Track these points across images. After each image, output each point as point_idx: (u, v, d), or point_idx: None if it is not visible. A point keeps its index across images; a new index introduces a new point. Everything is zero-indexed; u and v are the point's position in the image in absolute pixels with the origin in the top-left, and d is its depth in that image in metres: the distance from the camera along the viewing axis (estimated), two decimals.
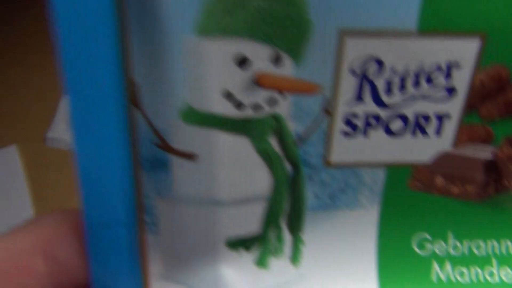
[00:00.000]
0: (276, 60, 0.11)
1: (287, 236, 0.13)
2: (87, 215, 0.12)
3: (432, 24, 0.10)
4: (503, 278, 0.13)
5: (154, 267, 0.13)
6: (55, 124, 0.33)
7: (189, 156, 0.11)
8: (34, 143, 0.33)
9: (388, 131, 0.12)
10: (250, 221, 0.13)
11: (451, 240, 0.13)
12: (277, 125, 0.11)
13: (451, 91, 0.11)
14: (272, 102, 0.11)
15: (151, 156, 0.11)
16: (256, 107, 0.11)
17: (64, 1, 0.09)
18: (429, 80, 0.11)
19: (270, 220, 0.13)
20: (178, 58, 0.10)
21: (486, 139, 0.12)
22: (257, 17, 0.10)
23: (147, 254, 0.12)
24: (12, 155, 0.36)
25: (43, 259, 0.11)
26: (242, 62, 0.10)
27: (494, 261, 0.13)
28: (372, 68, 0.11)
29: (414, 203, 0.13)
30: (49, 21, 0.10)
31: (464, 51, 0.11)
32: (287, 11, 0.10)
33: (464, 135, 0.12)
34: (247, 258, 0.13)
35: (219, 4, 0.10)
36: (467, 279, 0.13)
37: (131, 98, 0.11)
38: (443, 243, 0.13)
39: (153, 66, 0.11)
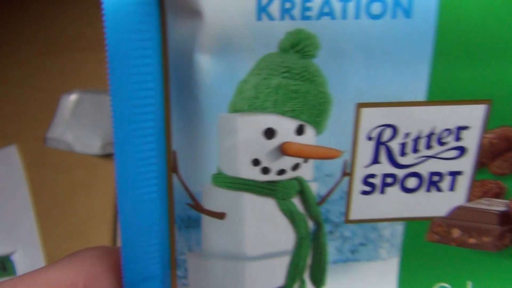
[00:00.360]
0: (300, 131, 0.12)
1: None
2: (126, 268, 0.12)
3: (440, 94, 0.11)
4: None
5: None
6: (55, 124, 0.33)
7: (218, 216, 0.12)
8: (34, 143, 0.33)
9: (404, 189, 0.13)
10: (275, 275, 0.13)
11: None
12: (300, 187, 0.12)
13: (462, 150, 0.12)
14: (295, 167, 0.12)
15: (184, 216, 0.12)
16: (281, 172, 0.12)
17: (119, 86, 0.11)
18: (440, 142, 0.12)
19: (294, 273, 0.13)
20: (213, 132, 0.11)
21: (499, 193, 0.13)
22: (282, 93, 0.11)
23: None
24: (12, 155, 0.35)
25: None
26: (269, 133, 0.12)
27: None
28: (387, 134, 0.12)
29: (433, 255, 0.14)
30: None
31: (471, 116, 0.12)
32: (308, 87, 0.11)
33: (477, 190, 0.13)
34: None
35: (252, 81, 0.11)
36: None
37: (170, 164, 0.12)
38: None
39: (191, 138, 0.12)
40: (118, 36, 0.10)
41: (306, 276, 0.14)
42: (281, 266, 0.13)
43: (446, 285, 0.14)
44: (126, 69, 0.11)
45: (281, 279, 0.13)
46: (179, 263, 0.13)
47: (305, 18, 0.10)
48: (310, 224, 0.13)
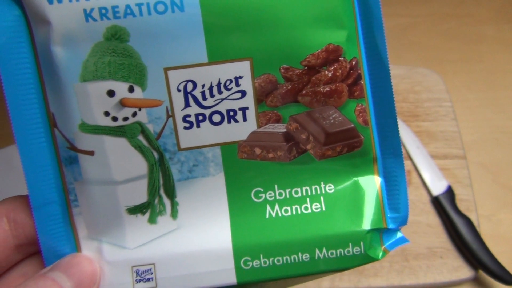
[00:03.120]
0: (131, 89, 0.18)
1: (166, 200, 0.20)
2: (31, 197, 0.19)
3: (216, 57, 0.18)
4: (314, 209, 0.20)
5: (81, 231, 0.20)
6: None
7: (89, 153, 0.19)
8: None
9: (213, 123, 0.19)
10: (139, 192, 0.20)
11: (277, 189, 0.20)
12: (141, 128, 0.19)
13: (243, 93, 0.19)
14: (134, 114, 0.19)
15: (66, 155, 0.19)
16: (125, 118, 0.19)
17: (9, 73, 0.17)
18: (227, 88, 0.19)
19: (152, 191, 0.20)
20: (73, 96, 0.18)
21: (278, 119, 0.20)
22: (112, 66, 0.18)
23: (75, 222, 0.20)
24: (12, 155, 0.37)
25: (7, 221, 0.18)
26: (110, 93, 0.18)
27: (308, 200, 0.20)
28: (189, 86, 0.19)
29: (246, 168, 0.20)
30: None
31: (242, 69, 0.19)
32: (129, 61, 0.18)
33: (262, 119, 0.20)
34: (142, 218, 0.20)
35: (91, 60, 0.18)
36: (290, 213, 0.20)
37: (51, 121, 0.19)
38: (272, 192, 0.20)
39: (60, 102, 0.18)
40: (4, 44, 0.17)
41: (162, 192, 0.20)
42: (142, 186, 0.20)
43: (260, 188, 0.20)
44: (12, 62, 0.17)
45: (144, 196, 0.20)
46: (70, 190, 0.20)
47: (116, 18, 0.17)
48: (155, 154, 0.20)
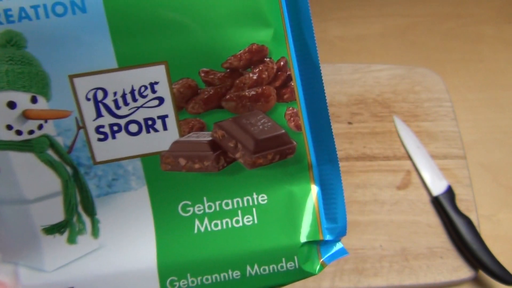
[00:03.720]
0: (33, 100, 0.17)
1: (85, 218, 0.19)
2: None
3: (126, 61, 0.17)
4: (246, 222, 0.19)
5: None
6: None
7: None
8: None
9: (130, 133, 0.18)
10: (55, 211, 0.18)
11: (206, 202, 0.19)
12: (49, 141, 0.17)
13: (160, 100, 0.18)
14: (40, 127, 0.17)
15: None
16: (31, 132, 0.17)
17: None
18: (141, 95, 0.17)
19: (69, 208, 0.19)
20: None
21: (202, 127, 0.18)
22: (10, 75, 0.16)
23: None
24: None
25: None
26: (11, 105, 0.17)
27: (239, 212, 0.19)
28: (100, 95, 0.17)
29: (171, 180, 0.19)
30: None
31: (157, 74, 0.17)
32: (29, 69, 0.16)
33: (185, 127, 0.18)
34: (60, 238, 0.19)
35: None
36: (220, 227, 0.19)
37: None
38: (200, 205, 0.19)
39: None
40: None
41: (80, 209, 0.19)
42: (58, 204, 0.18)
43: (188, 201, 0.19)
44: None
45: (61, 214, 0.19)
46: None
47: (10, 22, 0.16)
48: (68, 169, 0.18)
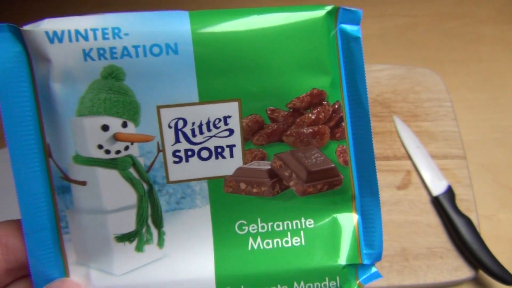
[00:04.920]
0: (124, 125, 0.19)
1: (153, 230, 0.21)
2: (24, 223, 0.20)
3: (207, 97, 0.19)
4: (294, 243, 0.21)
5: (70, 257, 0.21)
6: None
7: (81, 183, 0.20)
8: None
9: (201, 158, 0.20)
10: (128, 222, 0.21)
11: (259, 223, 0.21)
12: (132, 161, 0.20)
13: (231, 131, 0.20)
14: (126, 148, 0.20)
15: (59, 185, 0.20)
16: (118, 152, 0.20)
17: (8, 106, 0.18)
18: (216, 126, 0.20)
19: (141, 220, 0.21)
20: (68, 129, 0.19)
21: (263, 157, 0.21)
22: (108, 102, 0.19)
23: (65, 248, 0.20)
24: None
25: None
26: (105, 128, 0.19)
27: (288, 234, 0.21)
28: (180, 124, 0.20)
29: (231, 202, 0.21)
30: None
31: (230, 109, 0.20)
32: (124, 98, 0.19)
33: (248, 156, 0.21)
34: (129, 246, 0.21)
35: (88, 97, 0.19)
36: (271, 246, 0.21)
37: (46, 152, 0.19)
38: (255, 225, 0.21)
39: (56, 134, 0.19)
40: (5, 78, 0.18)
41: (150, 222, 0.21)
42: (131, 216, 0.21)
43: (243, 221, 0.21)
44: (12, 95, 0.18)
45: (133, 225, 0.21)
46: (61, 217, 0.20)
47: (113, 58, 0.18)
48: (145, 186, 0.20)
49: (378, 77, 0.45)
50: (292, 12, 0.20)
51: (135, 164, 0.20)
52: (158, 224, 0.21)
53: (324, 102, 0.21)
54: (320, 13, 0.20)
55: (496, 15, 0.55)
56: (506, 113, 0.48)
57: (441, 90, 0.45)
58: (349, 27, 0.21)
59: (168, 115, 0.20)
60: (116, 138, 0.20)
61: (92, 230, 0.21)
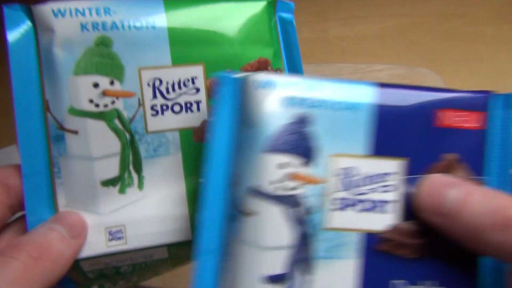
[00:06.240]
0: (111, 83, 0.24)
1: (134, 175, 0.25)
2: (24, 167, 0.23)
3: (179, 61, 0.25)
4: None
5: (60, 199, 0.24)
6: None
7: (74, 132, 0.24)
8: None
9: (174, 111, 0.25)
10: (112, 168, 0.25)
11: None
12: (117, 114, 0.24)
13: (197, 89, 0.25)
14: (113, 102, 0.24)
15: (55, 134, 0.24)
16: (105, 105, 0.24)
17: (18, 69, 0.23)
18: (185, 85, 0.25)
19: (123, 166, 0.25)
20: (65, 86, 0.24)
21: None
22: (99, 64, 0.24)
23: (56, 191, 0.24)
24: (12, 155, 0.39)
25: (0, 184, 0.22)
26: (96, 85, 0.24)
27: None
28: (157, 82, 0.25)
29: (200, 149, 0.26)
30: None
31: (197, 72, 0.25)
32: (112, 61, 0.24)
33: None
34: (113, 189, 0.25)
35: (83, 60, 0.24)
36: None
37: (45, 107, 0.24)
38: None
39: (54, 90, 0.24)
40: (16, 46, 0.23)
41: (131, 168, 0.25)
42: (115, 162, 0.25)
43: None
44: (20, 60, 0.23)
45: (116, 170, 0.25)
46: (55, 163, 0.24)
47: (104, 30, 0.24)
48: (127, 135, 0.25)
49: (378, 77, 0.45)
50: (242, 2, 0.27)
51: (119, 116, 0.25)
52: (138, 169, 0.25)
53: (269, 67, 0.27)
54: (263, 4, 0.27)
55: (496, 15, 0.54)
56: None
57: None
58: (285, 14, 0.28)
59: (147, 75, 0.25)
60: (104, 93, 0.24)
61: (81, 175, 0.25)
